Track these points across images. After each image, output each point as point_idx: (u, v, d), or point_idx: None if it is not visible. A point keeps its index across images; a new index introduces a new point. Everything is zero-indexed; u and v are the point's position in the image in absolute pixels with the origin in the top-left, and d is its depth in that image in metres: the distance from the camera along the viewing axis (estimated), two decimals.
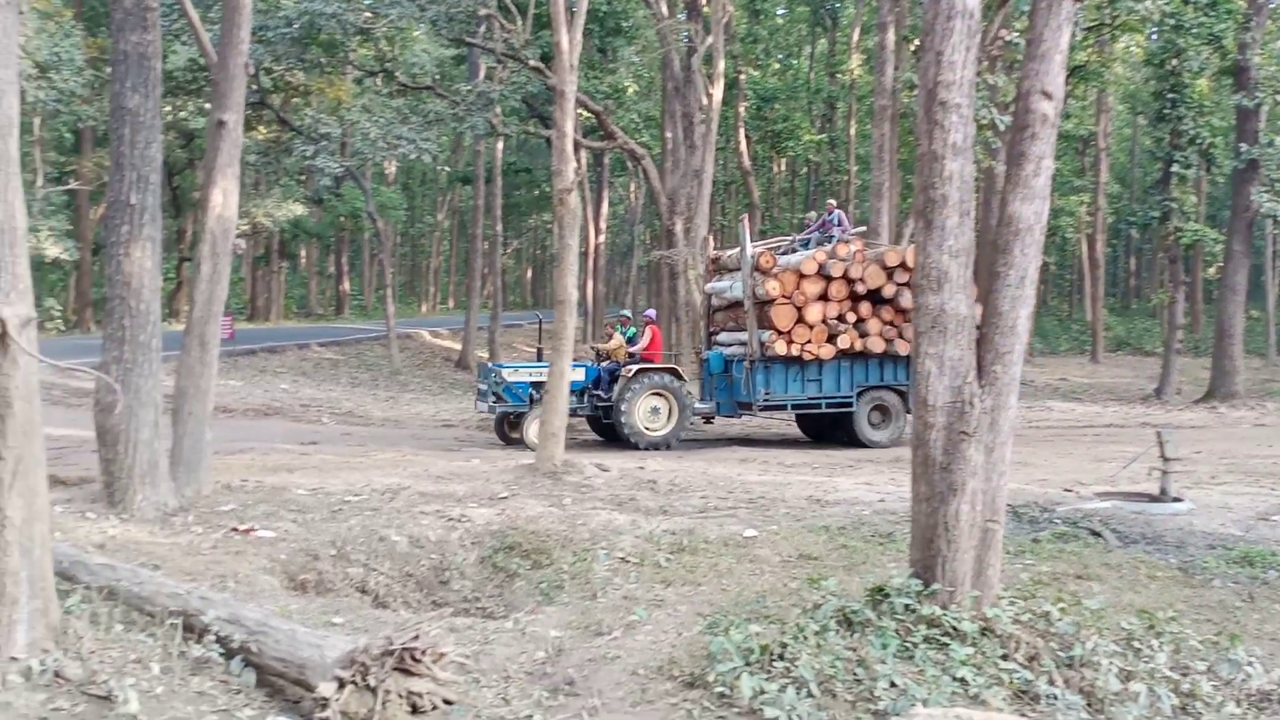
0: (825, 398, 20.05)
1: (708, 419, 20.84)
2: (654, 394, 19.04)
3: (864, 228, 24.83)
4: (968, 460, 7.06)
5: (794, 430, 22.80)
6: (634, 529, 11.00)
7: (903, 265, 19.97)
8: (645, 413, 18.94)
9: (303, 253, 65.00)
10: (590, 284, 44.78)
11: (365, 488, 13.34)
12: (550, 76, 23.31)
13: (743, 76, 45.53)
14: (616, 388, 19.11)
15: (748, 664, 6.47)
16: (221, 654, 7.52)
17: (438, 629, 7.59)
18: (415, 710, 6.96)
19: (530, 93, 29.40)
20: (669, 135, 33.08)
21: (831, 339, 19.77)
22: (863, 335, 19.90)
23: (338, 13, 24.46)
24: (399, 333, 35.65)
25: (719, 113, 29.46)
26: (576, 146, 22.79)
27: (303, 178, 42.52)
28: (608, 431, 20.11)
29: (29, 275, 7.09)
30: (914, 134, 29.10)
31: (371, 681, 6.98)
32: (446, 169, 50.03)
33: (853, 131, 50.35)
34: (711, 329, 22.50)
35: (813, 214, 27.68)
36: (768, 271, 19.82)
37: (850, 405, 20.06)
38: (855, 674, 6.37)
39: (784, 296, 19.55)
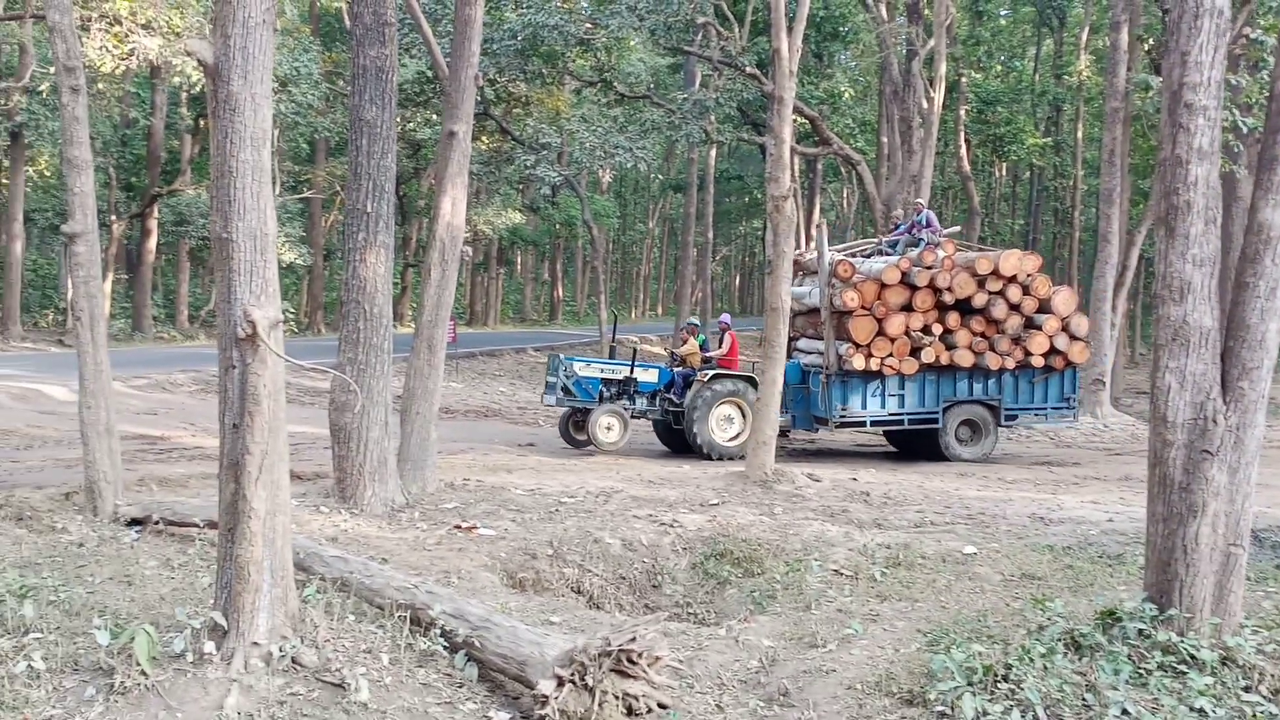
0: (908, 414, 18.76)
1: (783, 432, 18.67)
2: (727, 402, 18.15)
3: (957, 228, 23.24)
4: (1209, 480, 6.69)
5: (882, 442, 21.72)
6: (847, 541, 10.85)
7: (995, 273, 18.59)
8: (718, 421, 18.10)
9: (518, 259, 66.72)
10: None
11: (580, 490, 13.56)
12: (767, 83, 23.30)
13: (964, 79, 44.45)
14: (690, 394, 18.25)
15: (970, 684, 6.28)
16: (446, 648, 7.76)
17: (653, 632, 7.63)
18: (630, 712, 7.02)
19: (745, 100, 29.42)
20: (885, 140, 32.59)
21: (915, 352, 18.36)
22: (950, 348, 18.50)
23: (560, 24, 25.03)
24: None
25: (939, 117, 28.84)
26: (790, 153, 22.64)
27: (521, 186, 43.64)
28: (675, 440, 19.09)
29: (277, 280, 7.47)
30: (1148, 137, 27.60)
31: (589, 681, 7.07)
32: (659, 177, 50.58)
33: (1080, 135, 48.53)
34: (791, 335, 20.35)
35: (899, 213, 26.11)
36: (847, 280, 18.46)
37: (935, 421, 18.77)
38: (1084, 700, 6.11)
39: (863, 307, 18.18)
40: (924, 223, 20.15)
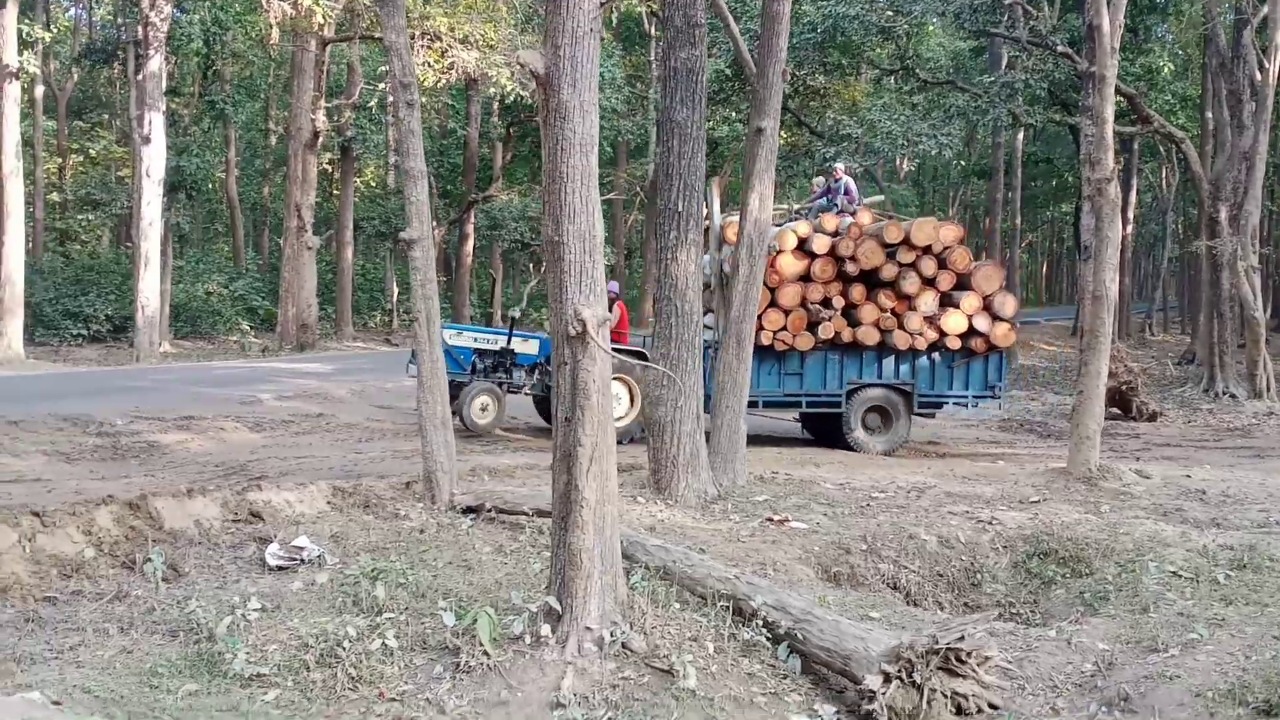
0: (806, 395, 16.75)
1: None
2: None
3: (880, 198, 20.37)
4: None
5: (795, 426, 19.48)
6: (1184, 541, 10.26)
7: (906, 242, 16.53)
8: None
9: None
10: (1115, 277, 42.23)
11: (891, 484, 13.40)
12: (1081, 61, 22.29)
13: None
14: None
15: None
16: (769, 639, 7.85)
17: (981, 632, 7.47)
18: (960, 711, 6.90)
19: (1055, 80, 28.25)
20: (1210, 116, 30.55)
21: (812, 327, 16.34)
22: (853, 324, 16.51)
23: (860, 14, 24.80)
24: None
25: (1275, 89, 26.77)
26: None
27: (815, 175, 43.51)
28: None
29: (604, 279, 7.75)
30: None
31: (917, 679, 7.00)
32: (961, 163, 49.27)
33: None
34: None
35: (820, 179, 23.03)
36: (734, 246, 16.06)
37: (838, 405, 16.71)
38: None
39: None
40: (842, 190, 18.21)
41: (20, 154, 26.38)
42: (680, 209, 12.04)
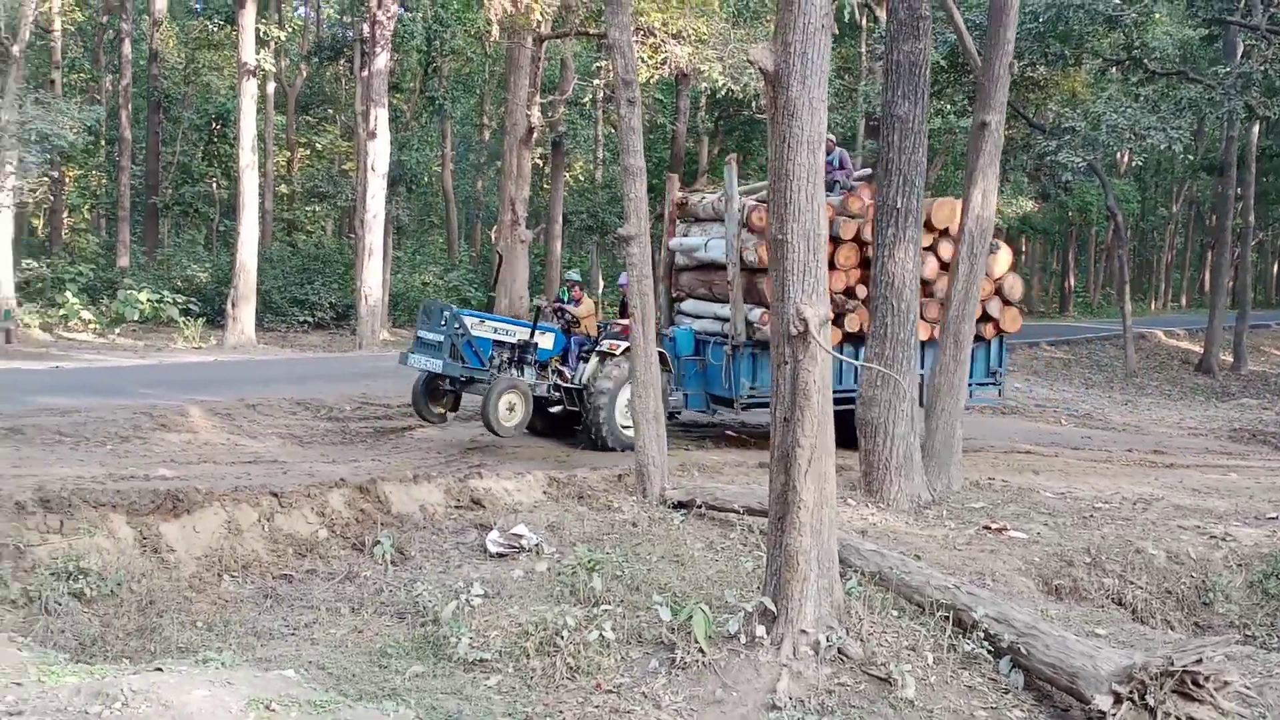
0: None
1: (671, 415, 14.95)
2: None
3: (868, 170, 17.02)
4: None
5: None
6: None
7: (928, 225, 14.67)
8: (621, 405, 14.16)
9: (1024, 248, 64.41)
10: None
11: (1115, 495, 12.90)
12: None
13: None
14: (588, 368, 14.40)
15: None
16: (990, 651, 7.64)
17: (1219, 655, 7.11)
18: None
19: None
20: None
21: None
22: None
23: (1085, 3, 23.84)
24: (1134, 332, 33.93)
25: None
26: None
27: (1034, 173, 42.14)
28: (544, 420, 15.01)
29: (826, 279, 7.67)
30: None
31: (1150, 701, 6.72)
32: (1189, 157, 47.01)
33: None
34: (674, 295, 16.91)
35: None
36: (760, 232, 14.28)
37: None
38: None
39: None
40: (836, 163, 16.33)
41: (255, 148, 27.84)
42: (900, 205, 11.83)
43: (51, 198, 37.88)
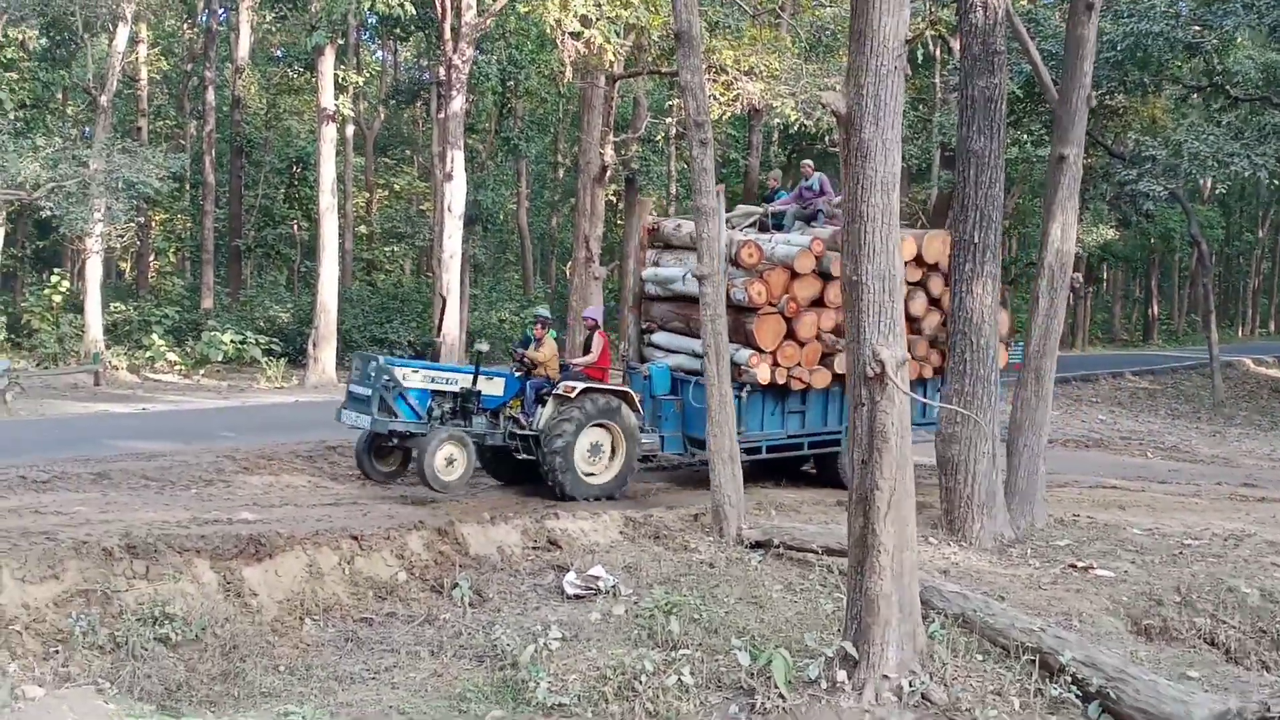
0: (808, 435, 14.48)
1: (645, 457, 14.28)
2: (599, 425, 13.31)
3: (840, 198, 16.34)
4: None
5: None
6: None
7: (918, 259, 14.30)
8: (584, 451, 13.23)
9: (1105, 276, 63.38)
10: None
11: (1205, 531, 12.55)
12: None
13: None
14: (545, 411, 13.32)
15: None
16: (1078, 696, 7.48)
17: None
18: None
19: None
20: None
21: (825, 359, 14.02)
22: None
23: (1164, 30, 23.50)
24: (1220, 361, 33.11)
25: None
26: None
27: (1115, 201, 41.54)
28: (508, 467, 14.10)
29: (902, 320, 7.61)
30: None
31: None
32: (1275, 182, 46.00)
33: None
34: (645, 327, 15.86)
35: (776, 173, 18.84)
36: (753, 268, 13.78)
37: (838, 444, 14.30)
38: None
39: (770, 303, 13.65)
40: (816, 189, 15.50)
41: (334, 190, 28.32)
42: (976, 240, 11.72)
43: (138, 242, 38.80)
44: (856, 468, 7.61)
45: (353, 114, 35.00)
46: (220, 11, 36.97)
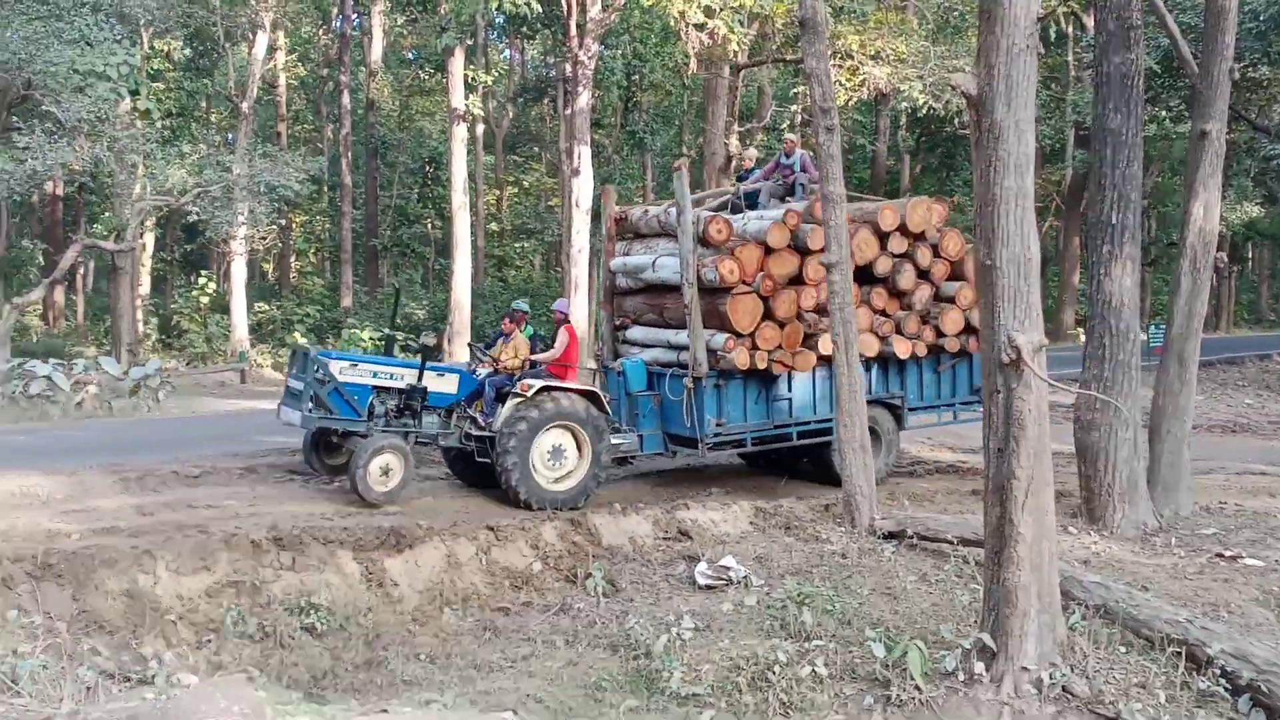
0: (797, 424, 13.19)
1: (623, 459, 13.25)
2: (558, 427, 11.98)
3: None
4: None
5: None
6: None
7: (901, 229, 13.27)
8: (542, 455, 11.88)
9: (1251, 255, 61.00)
10: None
11: None
12: None
13: None
14: (502, 411, 12.00)
15: None
16: (1227, 689, 7.20)
17: None
18: None
19: None
20: None
21: (809, 340, 12.87)
22: None
23: None
24: None
25: None
26: None
27: (1260, 177, 39.91)
28: (472, 471, 12.74)
29: (1040, 304, 7.39)
30: None
31: None
32: None
33: None
34: (617, 322, 14.80)
35: (752, 152, 16.90)
36: (722, 245, 12.78)
37: (829, 433, 12.89)
38: None
39: (744, 282, 12.53)
40: (797, 166, 14.38)
41: (466, 189, 28.75)
42: (1115, 221, 11.33)
43: (280, 244, 39.98)
44: (992, 456, 7.44)
45: (482, 113, 35.48)
46: (354, 17, 37.80)
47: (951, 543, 10.47)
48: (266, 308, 32.90)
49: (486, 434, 11.96)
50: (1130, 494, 11.45)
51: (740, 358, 12.47)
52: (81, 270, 36.95)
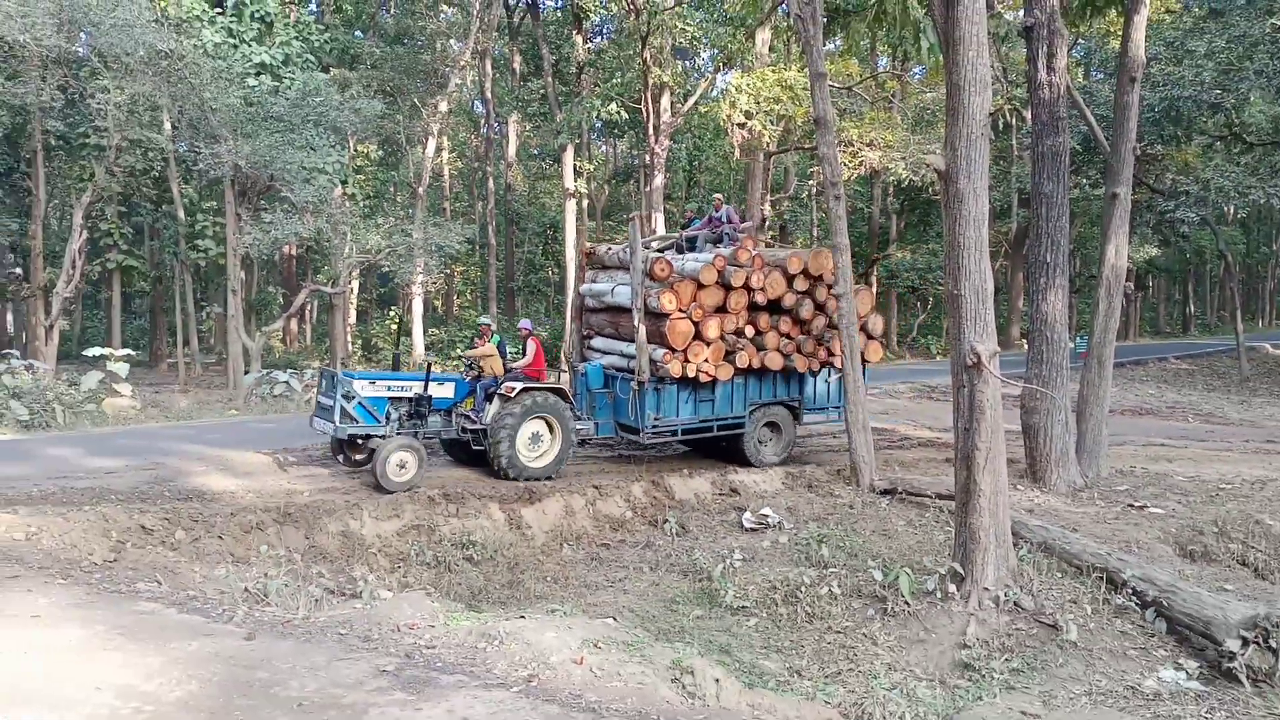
0: (717, 419, 12.54)
1: (582, 441, 12.51)
2: (538, 418, 11.52)
3: (750, 223, 14.65)
4: None
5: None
6: None
7: (805, 273, 12.49)
8: (525, 439, 11.44)
9: (1151, 283, 59.04)
10: None
11: (1236, 478, 11.54)
12: None
13: None
14: (491, 409, 11.52)
15: None
16: (1137, 604, 6.98)
17: None
18: None
19: None
20: None
21: (729, 356, 12.28)
22: (760, 350, 12.34)
23: (1192, 94, 21.70)
24: (1245, 346, 30.37)
25: None
26: None
27: (1157, 226, 38.66)
28: (465, 454, 12.21)
29: (994, 322, 7.22)
30: None
31: (1273, 644, 6.00)
32: None
33: None
34: (585, 333, 14.25)
35: (691, 206, 15.88)
36: (664, 280, 12.29)
37: (742, 425, 12.55)
38: None
39: (680, 309, 11.99)
40: (724, 219, 13.87)
41: (575, 246, 28.85)
42: (1049, 261, 11.04)
43: (445, 286, 40.39)
44: (960, 434, 7.28)
45: (586, 191, 35.56)
46: (496, 125, 38.20)
47: (931, 497, 10.28)
48: (437, 331, 33.27)
49: (481, 427, 11.45)
50: (1063, 461, 11.12)
51: (675, 368, 11.96)
52: (309, 307, 37.66)
